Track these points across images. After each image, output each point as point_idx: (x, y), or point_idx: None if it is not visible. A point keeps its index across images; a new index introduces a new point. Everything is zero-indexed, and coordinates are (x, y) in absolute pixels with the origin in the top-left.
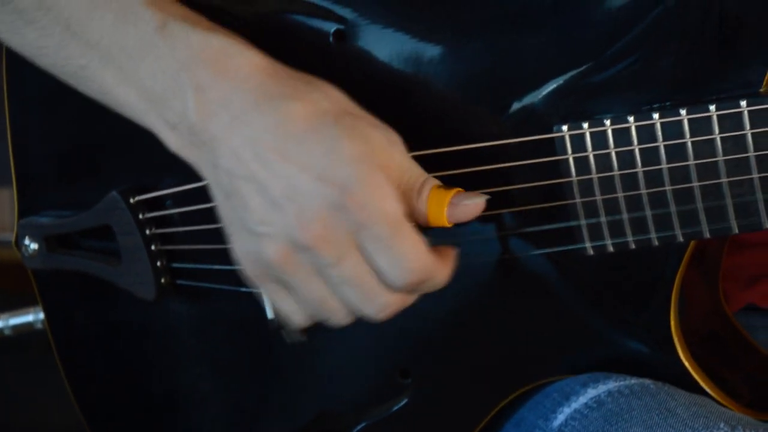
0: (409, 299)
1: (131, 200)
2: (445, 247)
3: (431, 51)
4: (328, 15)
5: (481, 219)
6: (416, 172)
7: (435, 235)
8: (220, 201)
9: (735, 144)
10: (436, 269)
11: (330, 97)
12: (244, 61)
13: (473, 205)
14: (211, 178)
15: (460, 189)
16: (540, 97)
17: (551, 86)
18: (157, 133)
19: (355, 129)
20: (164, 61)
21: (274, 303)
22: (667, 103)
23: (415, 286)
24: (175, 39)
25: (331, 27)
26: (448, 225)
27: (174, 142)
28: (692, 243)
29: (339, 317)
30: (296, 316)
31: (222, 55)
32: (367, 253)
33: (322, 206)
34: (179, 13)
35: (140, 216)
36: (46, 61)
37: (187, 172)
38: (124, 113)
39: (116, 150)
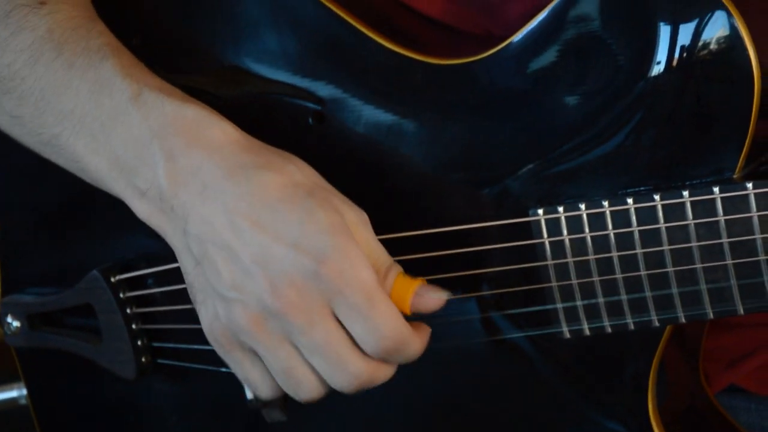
0: (380, 372)
1: (112, 279)
2: (419, 323)
3: (409, 133)
4: (307, 96)
5: (458, 301)
6: (383, 256)
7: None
8: (188, 268)
9: (708, 230)
10: (411, 338)
11: (303, 171)
12: (217, 131)
13: (436, 299)
14: (180, 245)
15: (423, 280)
16: (516, 180)
17: (527, 169)
18: (126, 201)
19: (328, 201)
20: (137, 130)
21: (242, 373)
22: (642, 188)
23: (390, 353)
24: (149, 108)
25: (311, 108)
26: (408, 314)
27: (143, 209)
28: (669, 326)
29: (308, 388)
30: (263, 386)
31: (195, 125)
32: (343, 320)
33: (295, 274)
34: (155, 83)
35: (121, 295)
36: (21, 130)
37: (169, 252)
38: (94, 182)
39: (98, 228)
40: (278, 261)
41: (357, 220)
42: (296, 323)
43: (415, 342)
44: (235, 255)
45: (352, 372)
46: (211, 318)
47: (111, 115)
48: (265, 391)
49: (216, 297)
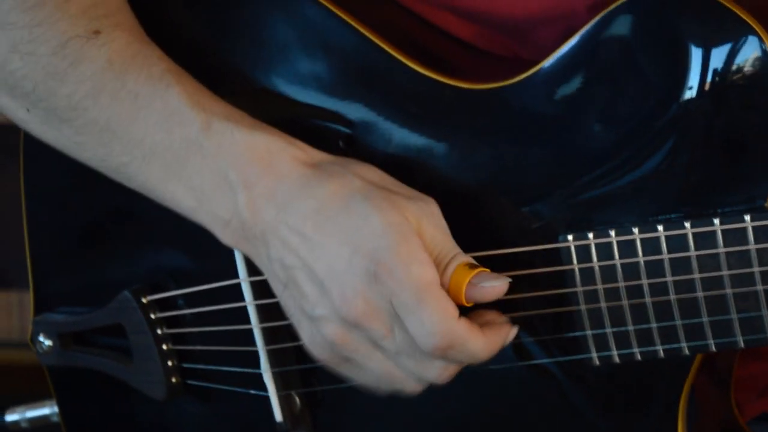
0: (448, 372)
1: (143, 299)
2: (501, 322)
3: (439, 157)
4: (337, 120)
5: None
6: (448, 245)
7: None
8: (279, 292)
9: (740, 259)
10: (469, 337)
11: (362, 175)
12: (286, 156)
13: (491, 288)
14: (267, 270)
15: (485, 269)
16: (546, 205)
17: (557, 195)
18: (209, 229)
19: (386, 201)
20: (211, 160)
21: (362, 381)
22: (673, 215)
23: (442, 351)
24: (221, 138)
25: (341, 132)
26: (466, 304)
27: (228, 237)
28: (700, 354)
29: (410, 386)
30: (378, 388)
31: (267, 152)
32: (403, 320)
33: (358, 281)
34: (222, 111)
35: (152, 315)
36: (85, 154)
37: (200, 272)
38: (172, 208)
39: (130, 248)
40: (343, 270)
41: (420, 213)
42: (374, 330)
43: (475, 341)
44: (312, 272)
45: (437, 366)
46: (309, 338)
47: (183, 145)
48: (383, 392)
49: (306, 317)
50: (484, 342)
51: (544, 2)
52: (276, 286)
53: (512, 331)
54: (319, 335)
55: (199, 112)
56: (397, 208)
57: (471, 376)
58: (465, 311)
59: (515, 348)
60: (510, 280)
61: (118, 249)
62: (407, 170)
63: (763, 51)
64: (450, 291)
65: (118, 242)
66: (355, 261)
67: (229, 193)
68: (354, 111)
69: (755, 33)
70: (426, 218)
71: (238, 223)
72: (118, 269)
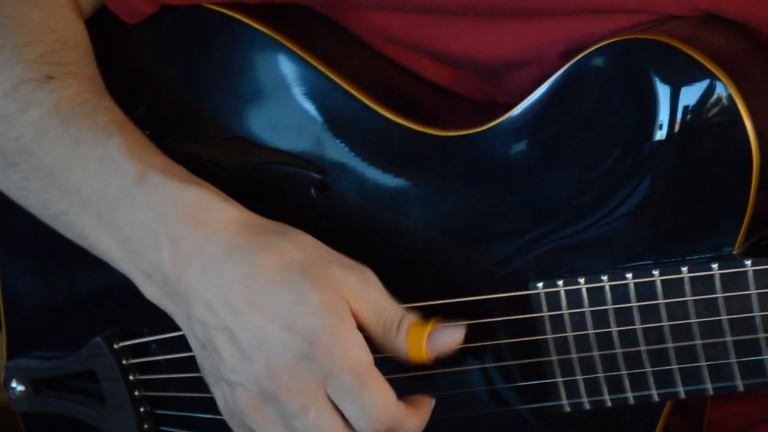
0: None
1: (115, 345)
2: (421, 396)
3: (411, 203)
4: (309, 166)
5: (459, 372)
6: (393, 309)
7: (412, 387)
8: (197, 351)
9: (708, 307)
10: (406, 418)
11: (300, 246)
12: (218, 212)
13: (450, 339)
14: (186, 328)
15: (437, 321)
16: (517, 252)
17: (528, 242)
18: (134, 281)
19: (322, 277)
20: (141, 212)
21: None
22: (642, 262)
23: None
24: (153, 190)
25: (313, 178)
26: (429, 362)
27: (150, 291)
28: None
29: None
30: None
31: (197, 207)
32: (336, 402)
33: (289, 356)
34: (159, 163)
35: (124, 362)
36: (29, 202)
37: (172, 319)
38: (103, 258)
39: (102, 295)
40: (273, 343)
41: (358, 283)
42: (290, 407)
43: (411, 422)
44: (235, 338)
45: None
46: (222, 401)
47: (117, 195)
48: None
49: (221, 380)
50: (417, 420)
51: (517, 47)
52: (194, 345)
53: (433, 402)
54: (231, 400)
55: (135, 164)
56: (333, 285)
57: (443, 422)
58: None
59: (487, 394)
60: (465, 327)
61: (91, 294)
62: (379, 217)
63: (729, 97)
64: (409, 352)
65: (92, 287)
66: (287, 337)
67: (155, 246)
68: (326, 158)
69: (720, 79)
70: (366, 287)
71: (161, 277)
72: (91, 314)
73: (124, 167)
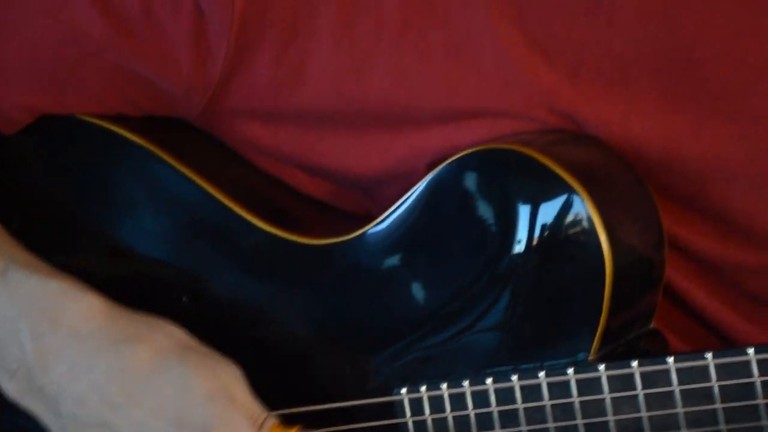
0: None
1: None
2: None
3: (281, 311)
4: (180, 275)
5: None
6: (256, 407)
7: None
8: None
9: (564, 411)
10: None
11: (172, 336)
12: (82, 305)
13: None
14: (54, 426)
15: (300, 426)
16: (382, 358)
17: (392, 349)
18: None
19: (201, 365)
20: (4, 308)
21: None
22: (503, 368)
23: None
24: (15, 284)
25: (185, 287)
26: None
27: (13, 390)
28: None
29: None
30: None
31: (60, 300)
32: None
33: None
34: (22, 258)
35: None
36: None
37: None
38: None
39: None
40: None
41: (233, 377)
42: None
43: None
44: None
45: None
46: None
47: None
48: None
49: None
50: None
51: (388, 161)
52: None
53: None
54: None
55: None
56: (213, 372)
57: None
58: None
59: None
60: None
61: None
62: (251, 323)
63: (585, 211)
64: None
65: None
66: (176, 431)
67: (18, 342)
68: (198, 266)
69: (576, 191)
70: (235, 381)
71: (25, 374)
72: None
73: None
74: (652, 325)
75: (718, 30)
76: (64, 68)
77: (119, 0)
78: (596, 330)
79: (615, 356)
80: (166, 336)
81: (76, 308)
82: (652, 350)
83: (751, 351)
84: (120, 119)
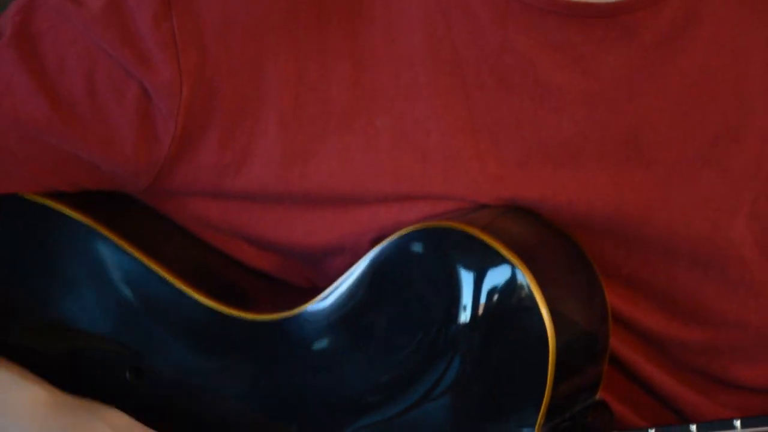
0: None
1: None
2: None
3: (227, 387)
4: (123, 351)
5: None
6: None
7: None
8: None
9: None
10: None
11: (114, 426)
12: (26, 394)
13: None
14: None
15: None
16: None
17: (335, 426)
18: None
19: None
20: None
21: None
22: None
23: None
24: None
25: (127, 364)
26: None
27: None
28: None
29: None
30: None
31: (3, 391)
32: None
33: None
34: None
35: None
36: None
37: None
38: None
39: None
40: None
41: None
42: None
43: None
44: None
45: None
46: None
47: None
48: None
49: None
50: None
51: (331, 235)
52: None
53: None
54: None
55: None
56: None
57: None
58: None
59: None
60: None
61: None
62: (195, 398)
63: (526, 284)
64: None
65: None
66: None
67: None
68: (141, 343)
69: (517, 267)
70: None
71: None
72: None
73: None
74: (598, 396)
75: (661, 113)
76: (4, 155)
77: (64, 83)
78: (541, 403)
79: (560, 431)
80: (107, 426)
81: (19, 398)
82: (598, 425)
83: (693, 428)
84: (60, 195)
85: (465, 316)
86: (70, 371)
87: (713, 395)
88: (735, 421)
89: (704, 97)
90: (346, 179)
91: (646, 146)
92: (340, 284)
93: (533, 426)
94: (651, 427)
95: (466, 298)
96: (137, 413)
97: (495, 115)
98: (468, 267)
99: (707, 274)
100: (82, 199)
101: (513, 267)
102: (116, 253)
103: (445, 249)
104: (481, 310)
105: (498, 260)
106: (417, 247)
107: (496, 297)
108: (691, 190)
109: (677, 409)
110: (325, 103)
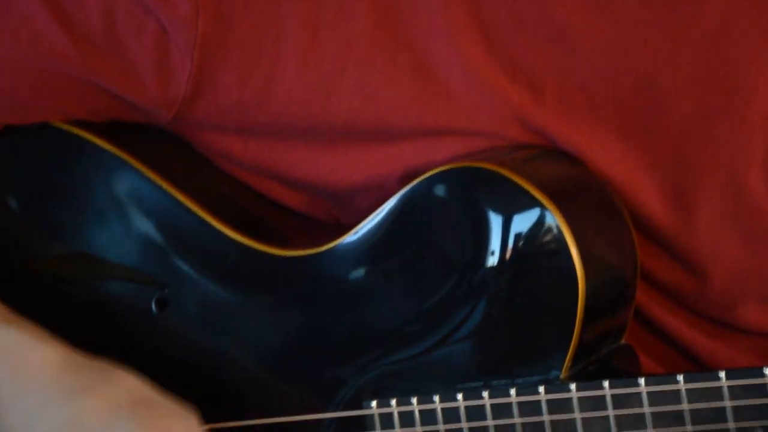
0: None
1: None
2: None
3: (251, 321)
4: (150, 282)
5: None
6: None
7: None
8: None
9: (535, 429)
10: None
11: (125, 388)
12: (39, 355)
13: None
14: None
15: None
16: (352, 371)
17: (363, 362)
18: None
19: (150, 421)
20: None
21: None
22: (474, 384)
23: None
24: None
25: (153, 294)
26: None
27: None
28: None
29: None
30: None
31: (15, 350)
32: None
33: None
34: None
35: None
36: None
37: None
38: None
39: None
40: None
41: (183, 428)
42: None
43: None
44: None
45: None
46: None
47: None
48: None
49: None
50: None
51: (359, 174)
52: None
53: None
54: None
55: None
56: (160, 427)
57: None
58: None
59: None
60: None
61: None
62: (218, 334)
63: (557, 226)
64: None
65: None
66: None
67: None
68: (167, 274)
69: (547, 208)
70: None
71: None
72: None
73: None
74: (624, 341)
75: (678, 60)
76: (26, 87)
77: (81, 18)
78: (568, 348)
79: (587, 375)
80: (119, 388)
81: (33, 358)
82: (624, 369)
83: (722, 374)
84: (87, 124)
85: (495, 252)
86: (97, 301)
87: (727, 339)
88: (765, 369)
89: (723, 46)
90: (369, 115)
91: (661, 94)
92: (370, 222)
93: (560, 369)
94: (679, 374)
95: (496, 234)
96: (157, 345)
97: (512, 54)
98: (498, 205)
99: (723, 224)
100: (109, 129)
101: (543, 208)
102: (144, 184)
103: (475, 189)
104: (511, 246)
105: (528, 200)
106: (446, 188)
107: (525, 234)
108: (707, 139)
109: (694, 356)
110: (343, 41)
